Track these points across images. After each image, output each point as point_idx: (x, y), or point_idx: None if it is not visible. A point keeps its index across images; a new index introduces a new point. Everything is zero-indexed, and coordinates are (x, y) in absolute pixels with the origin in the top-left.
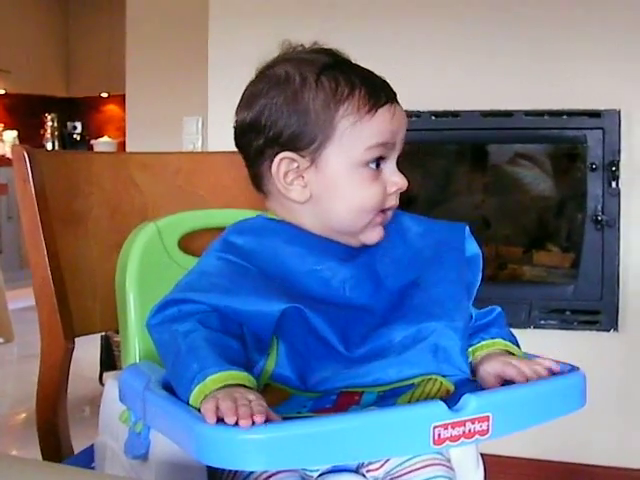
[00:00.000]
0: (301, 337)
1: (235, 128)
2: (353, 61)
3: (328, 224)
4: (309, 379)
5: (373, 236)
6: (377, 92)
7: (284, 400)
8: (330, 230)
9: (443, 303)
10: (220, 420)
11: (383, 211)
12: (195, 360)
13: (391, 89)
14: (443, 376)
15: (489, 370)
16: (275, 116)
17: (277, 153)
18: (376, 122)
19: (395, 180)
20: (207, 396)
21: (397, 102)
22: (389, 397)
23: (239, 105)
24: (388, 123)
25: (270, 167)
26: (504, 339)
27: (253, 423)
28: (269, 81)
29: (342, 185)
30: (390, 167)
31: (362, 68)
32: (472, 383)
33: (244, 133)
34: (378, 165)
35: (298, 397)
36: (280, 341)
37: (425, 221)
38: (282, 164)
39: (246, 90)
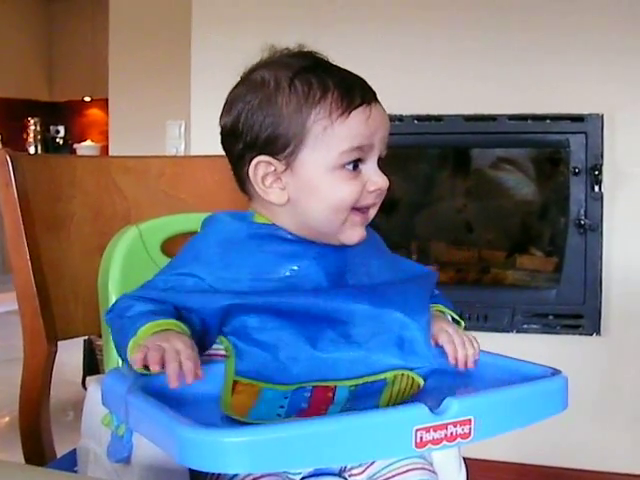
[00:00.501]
0: (262, 332)
1: (220, 133)
2: (335, 63)
3: (307, 224)
4: (276, 372)
5: (353, 236)
6: (351, 94)
7: (255, 395)
8: (310, 230)
9: (407, 298)
10: (147, 367)
11: (362, 210)
12: (132, 324)
13: (369, 89)
14: (411, 369)
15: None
16: (251, 121)
17: (254, 157)
18: (349, 125)
19: (374, 180)
20: (140, 346)
21: (376, 101)
22: (362, 395)
23: (222, 110)
24: (363, 126)
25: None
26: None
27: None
28: (247, 86)
29: (318, 187)
30: (369, 167)
31: (340, 70)
32: (440, 373)
33: (226, 138)
34: (356, 166)
35: (268, 392)
36: (240, 338)
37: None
38: (259, 168)
39: (228, 95)
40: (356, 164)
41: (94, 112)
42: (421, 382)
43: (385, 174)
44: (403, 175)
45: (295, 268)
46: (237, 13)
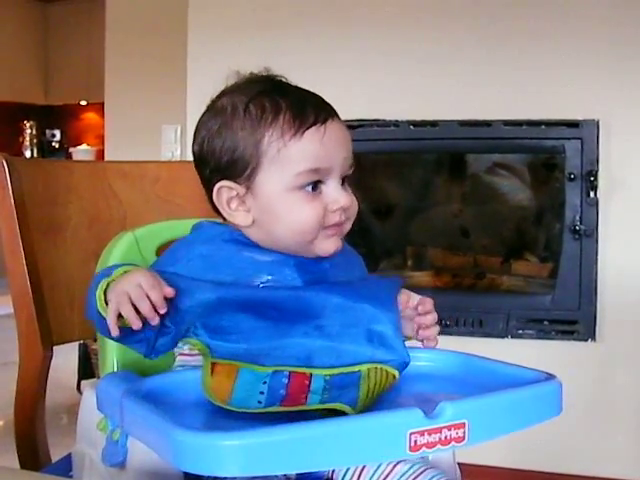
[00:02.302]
0: (235, 331)
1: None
2: (295, 84)
3: (276, 244)
4: (251, 358)
5: (327, 247)
6: (303, 114)
7: (233, 374)
8: (283, 247)
9: (378, 293)
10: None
11: (333, 226)
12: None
13: (324, 108)
14: (381, 362)
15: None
16: (212, 146)
17: (217, 182)
18: (303, 146)
19: (335, 198)
20: (103, 298)
21: (333, 119)
22: (338, 386)
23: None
24: (317, 146)
25: None
26: None
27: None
28: (209, 113)
29: (278, 209)
30: (331, 186)
31: (296, 91)
32: (433, 378)
33: (196, 164)
34: (316, 187)
35: (246, 372)
36: (213, 337)
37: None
38: (221, 193)
39: (197, 123)
40: (315, 185)
41: (90, 116)
42: (396, 373)
43: (354, 191)
44: (399, 180)
45: (271, 277)
46: (233, 18)
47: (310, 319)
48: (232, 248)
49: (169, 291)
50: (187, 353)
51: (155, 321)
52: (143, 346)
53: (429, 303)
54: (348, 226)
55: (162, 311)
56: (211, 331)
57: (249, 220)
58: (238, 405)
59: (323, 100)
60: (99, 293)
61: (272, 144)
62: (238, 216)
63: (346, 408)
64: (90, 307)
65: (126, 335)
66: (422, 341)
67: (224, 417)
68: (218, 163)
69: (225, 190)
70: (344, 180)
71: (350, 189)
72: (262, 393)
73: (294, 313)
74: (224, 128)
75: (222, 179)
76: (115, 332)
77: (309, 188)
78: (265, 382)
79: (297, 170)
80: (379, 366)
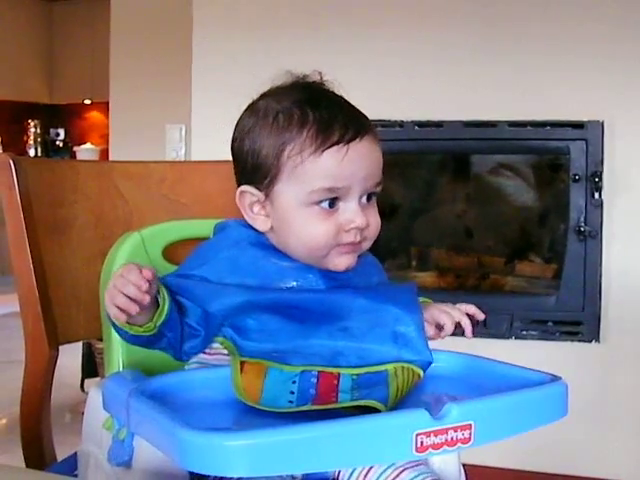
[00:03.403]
0: (261, 332)
1: None
2: (337, 91)
3: (291, 253)
4: (279, 358)
5: (340, 263)
6: (328, 132)
7: (262, 373)
8: (296, 258)
9: (401, 295)
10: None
11: (347, 244)
12: None
13: (352, 126)
14: (406, 361)
15: (426, 317)
16: (241, 147)
17: (241, 185)
18: (320, 165)
19: (350, 218)
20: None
21: (363, 137)
22: (366, 385)
23: None
24: (335, 167)
25: None
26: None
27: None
28: (247, 112)
29: (292, 221)
30: (349, 205)
31: (330, 105)
32: (440, 379)
33: (233, 161)
34: (333, 204)
35: (275, 372)
36: (241, 336)
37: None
38: (243, 196)
39: None
40: (333, 202)
41: (94, 115)
42: (421, 372)
43: (379, 213)
44: (403, 181)
45: (296, 283)
46: (238, 17)
47: (335, 320)
48: (258, 252)
49: (147, 272)
50: (207, 352)
51: (145, 300)
52: (171, 351)
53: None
54: (366, 245)
55: (144, 288)
56: (238, 330)
57: (268, 226)
58: (269, 405)
59: (358, 115)
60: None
61: (292, 157)
62: (257, 220)
63: (378, 405)
64: (109, 320)
65: (149, 342)
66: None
67: (237, 417)
68: (244, 165)
69: (247, 195)
70: (371, 197)
71: (376, 208)
72: (292, 393)
73: (319, 314)
74: (253, 131)
75: (246, 182)
76: (122, 318)
77: (325, 204)
78: (294, 382)
79: (312, 188)
80: (405, 365)
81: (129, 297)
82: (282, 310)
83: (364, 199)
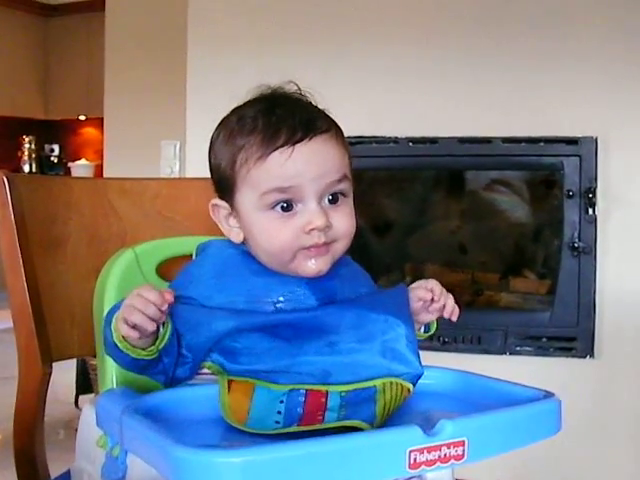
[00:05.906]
0: (250, 353)
1: None
2: (317, 101)
3: (263, 262)
4: (267, 377)
5: (308, 267)
6: (275, 137)
7: (250, 393)
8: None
9: (390, 307)
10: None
11: (312, 247)
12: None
13: (309, 127)
14: (396, 376)
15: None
16: (209, 163)
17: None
18: (265, 168)
19: (309, 219)
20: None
21: (315, 138)
22: (354, 402)
23: None
24: (278, 168)
25: None
26: None
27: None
28: (215, 129)
29: (253, 229)
30: (308, 207)
31: (286, 110)
32: (433, 395)
33: None
34: (289, 208)
35: (262, 391)
36: (228, 359)
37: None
38: (217, 210)
39: None
40: (289, 205)
41: (89, 131)
42: (410, 387)
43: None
44: (397, 197)
45: (284, 298)
46: (232, 33)
47: (324, 337)
48: (243, 270)
49: (168, 295)
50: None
51: (162, 320)
52: (162, 377)
53: (436, 286)
54: (339, 247)
55: (164, 307)
56: (226, 354)
57: (240, 237)
58: (255, 426)
59: (314, 118)
60: (114, 326)
61: (243, 165)
62: (232, 232)
63: (363, 425)
64: (107, 344)
65: (146, 367)
66: (449, 319)
67: (228, 435)
68: (213, 179)
69: (220, 208)
70: (337, 198)
71: (348, 209)
72: (279, 413)
73: (307, 331)
74: (215, 145)
75: (218, 196)
76: (135, 336)
77: (279, 208)
78: (282, 401)
79: (260, 191)
80: (394, 380)
81: (148, 316)
82: (270, 330)
83: (326, 200)
